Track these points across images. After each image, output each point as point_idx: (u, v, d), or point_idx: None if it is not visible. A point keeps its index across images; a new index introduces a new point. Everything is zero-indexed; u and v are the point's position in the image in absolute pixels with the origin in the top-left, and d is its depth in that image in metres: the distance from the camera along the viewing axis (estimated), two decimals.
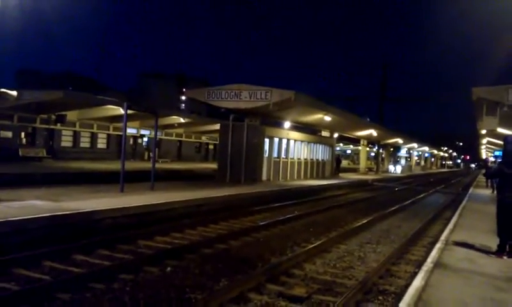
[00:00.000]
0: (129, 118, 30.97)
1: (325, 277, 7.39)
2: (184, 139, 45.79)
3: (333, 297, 6.25)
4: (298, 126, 27.96)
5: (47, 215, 8.86)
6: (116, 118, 31.48)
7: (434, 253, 7.71)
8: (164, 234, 9.88)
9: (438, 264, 6.85)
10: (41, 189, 13.06)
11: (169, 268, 7.22)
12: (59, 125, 29.95)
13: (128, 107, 13.88)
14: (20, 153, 26.84)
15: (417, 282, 5.79)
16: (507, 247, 7.68)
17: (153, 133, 40.10)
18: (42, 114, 28.24)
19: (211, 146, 52.36)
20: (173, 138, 44.26)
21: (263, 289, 6.52)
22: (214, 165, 34.44)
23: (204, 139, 49.56)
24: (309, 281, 7.11)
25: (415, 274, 6.81)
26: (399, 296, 5.67)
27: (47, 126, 30.02)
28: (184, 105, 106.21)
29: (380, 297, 6.47)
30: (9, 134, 27.29)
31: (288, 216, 13.36)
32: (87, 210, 9.73)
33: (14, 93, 11.09)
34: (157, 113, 15.43)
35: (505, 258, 7.53)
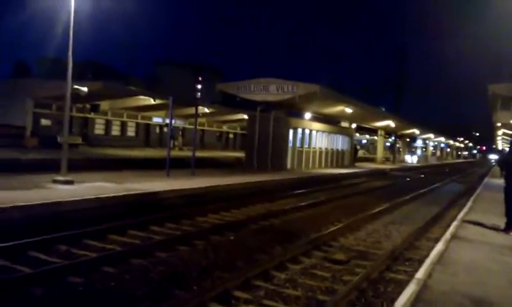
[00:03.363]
0: (156, 107, 32.87)
1: (359, 247, 8.89)
2: (206, 128, 47.50)
3: (369, 261, 7.76)
4: (320, 117, 29.33)
5: (122, 194, 10.53)
6: (145, 108, 33.22)
7: (451, 229, 9.18)
8: (215, 212, 11.43)
9: (454, 236, 8.32)
10: (94, 174, 14.60)
11: (232, 237, 8.80)
12: (93, 113, 31.80)
13: (174, 101, 15.38)
14: (58, 140, 28.73)
15: (439, 247, 7.27)
16: None
17: (177, 122, 42.00)
18: (78, 103, 30.08)
19: (231, 135, 54.06)
20: (197, 127, 45.97)
21: (310, 254, 8.05)
22: (235, 154, 36.11)
23: (225, 128, 51.19)
24: (346, 250, 8.62)
25: (435, 247, 8.26)
26: (424, 257, 7.14)
27: (82, 115, 31.92)
28: (199, 94, 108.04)
29: (407, 263, 7.96)
30: (48, 122, 29.19)
31: (317, 200, 14.83)
32: (150, 191, 11.39)
33: (85, 89, 12.64)
34: (197, 105, 16.95)
35: (511, 233, 8.93)
